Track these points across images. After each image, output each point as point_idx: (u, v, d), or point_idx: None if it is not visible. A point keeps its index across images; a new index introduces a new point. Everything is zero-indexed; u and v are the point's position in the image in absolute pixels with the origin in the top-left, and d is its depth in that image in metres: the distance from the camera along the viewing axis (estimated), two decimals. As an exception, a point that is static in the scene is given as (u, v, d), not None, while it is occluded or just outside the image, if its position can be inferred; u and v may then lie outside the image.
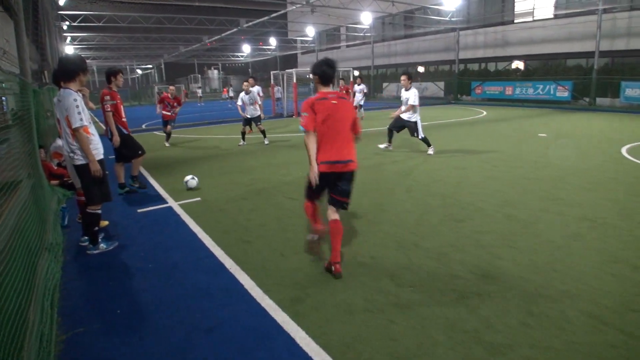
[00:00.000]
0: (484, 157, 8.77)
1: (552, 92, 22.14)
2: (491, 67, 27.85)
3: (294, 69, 21.22)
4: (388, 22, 35.68)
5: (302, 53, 48.88)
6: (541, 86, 22.66)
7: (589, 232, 4.58)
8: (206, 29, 34.98)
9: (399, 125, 9.25)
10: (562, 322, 2.93)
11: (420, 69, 33.12)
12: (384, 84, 34.77)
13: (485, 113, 16.46)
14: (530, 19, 25.46)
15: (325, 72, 3.67)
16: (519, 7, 26.05)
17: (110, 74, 6.15)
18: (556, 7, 24.03)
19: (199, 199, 6.25)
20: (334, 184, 3.65)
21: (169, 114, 11.57)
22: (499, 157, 8.74)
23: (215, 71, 64.60)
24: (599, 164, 7.90)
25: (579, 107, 20.91)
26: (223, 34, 34.70)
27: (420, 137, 9.02)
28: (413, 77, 9.66)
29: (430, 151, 9.11)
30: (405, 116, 8.98)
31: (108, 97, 6.17)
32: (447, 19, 28.53)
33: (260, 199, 6.17)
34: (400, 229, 4.77)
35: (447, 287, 3.44)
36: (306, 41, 44.76)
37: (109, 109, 6.17)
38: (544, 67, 24.43)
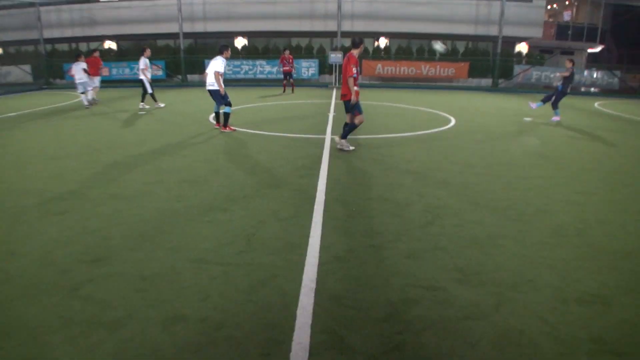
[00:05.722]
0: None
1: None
2: (83, 47, 26.24)
3: None
4: None
5: None
6: (135, 66, 23.22)
7: (186, 191, 5.14)
8: None
9: None
10: (172, 275, 3.21)
11: (-4, 51, 27.48)
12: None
13: (83, 97, 15.34)
14: (114, -2, 25.27)
15: None
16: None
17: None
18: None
19: None
20: None
21: None
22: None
23: None
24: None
25: (174, 84, 22.84)
26: None
27: None
28: None
29: None
30: None
31: None
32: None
33: None
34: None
35: (56, 286, 3.12)
36: None
37: None
38: (136, 47, 25.04)
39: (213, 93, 8.85)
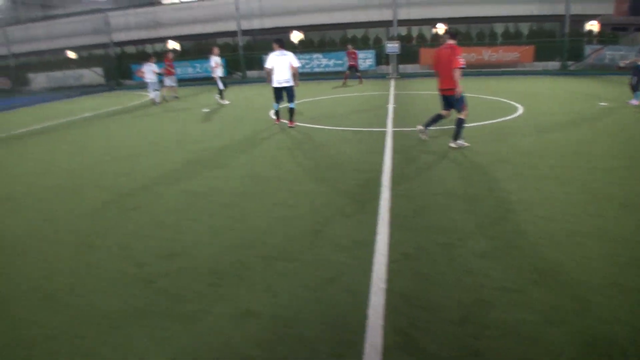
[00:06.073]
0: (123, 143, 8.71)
1: (208, 69, 23.83)
2: (148, 49, 27.56)
3: None
4: (21, 1, 30.00)
5: None
6: (198, 65, 24.08)
7: (253, 187, 5.22)
8: None
9: None
10: (244, 270, 3.27)
11: (72, 55, 29.56)
12: (30, 75, 29.48)
13: (151, 96, 16.20)
14: (177, 0, 26.31)
15: None
16: (163, -12, 26.50)
17: None
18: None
19: None
20: None
21: None
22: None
23: None
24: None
25: (234, 81, 23.38)
26: None
27: None
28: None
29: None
30: None
31: None
32: (90, -1, 26.29)
33: None
34: (73, 236, 4.22)
35: (134, 279, 3.28)
36: None
37: None
38: (197, 46, 25.94)
39: (289, 90, 8.75)
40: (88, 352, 2.51)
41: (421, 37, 23.67)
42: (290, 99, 8.84)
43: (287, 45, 23.67)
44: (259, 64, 23.70)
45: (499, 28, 23.67)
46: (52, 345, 2.60)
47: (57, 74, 28.37)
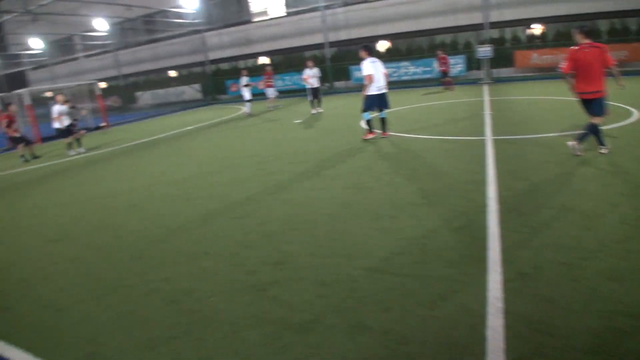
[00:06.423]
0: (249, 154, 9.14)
1: (297, 81, 24.59)
2: (240, 64, 29.14)
3: (26, 89, 17.91)
4: (128, 27, 33.43)
5: (33, 69, 41.65)
6: (288, 78, 24.96)
7: (354, 198, 5.24)
8: None
9: None
10: (351, 282, 3.28)
11: (173, 73, 32.27)
12: (137, 93, 32.64)
13: (245, 109, 17.20)
14: (266, 17, 27.61)
15: None
16: (254, 7, 27.93)
17: None
18: (287, 6, 26.72)
19: None
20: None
21: None
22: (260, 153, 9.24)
23: None
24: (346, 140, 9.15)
25: (323, 92, 23.86)
26: None
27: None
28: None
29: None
30: None
31: None
32: (189, 21, 28.47)
33: (12, 250, 5.01)
34: (187, 242, 4.55)
35: (246, 286, 3.44)
36: (35, 55, 38.18)
37: None
38: (286, 60, 26.94)
39: (385, 97, 8.66)
40: (209, 354, 2.66)
41: (515, 38, 22.40)
42: (386, 106, 8.70)
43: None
44: (345, 74, 24.02)
45: (603, 25, 21.67)
46: (176, 345, 2.79)
47: (160, 92, 31.15)
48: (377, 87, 8.47)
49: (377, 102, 8.62)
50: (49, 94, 30.63)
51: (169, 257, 4.20)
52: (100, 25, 26.24)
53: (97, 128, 19.12)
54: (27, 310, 3.55)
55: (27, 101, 16.30)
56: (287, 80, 25.00)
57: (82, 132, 13.21)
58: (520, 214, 4.28)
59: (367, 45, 8.70)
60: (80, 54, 37.61)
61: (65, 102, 12.62)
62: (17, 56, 38.95)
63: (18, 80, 42.90)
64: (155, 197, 6.42)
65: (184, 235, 4.72)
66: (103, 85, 29.08)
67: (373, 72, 8.38)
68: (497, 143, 7.23)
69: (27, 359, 2.86)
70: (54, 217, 6.00)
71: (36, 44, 30.68)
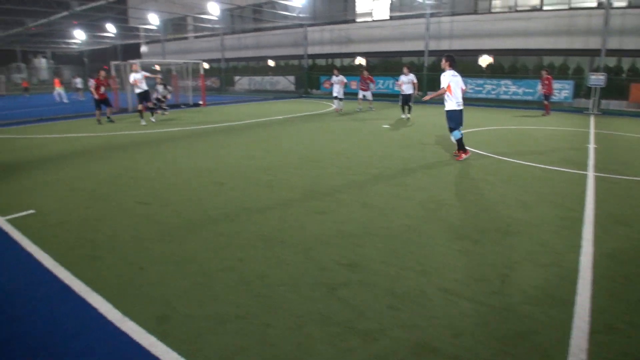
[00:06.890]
0: (329, 152, 9.21)
1: (390, 86, 24.36)
2: (337, 62, 29.50)
3: (137, 60, 19.59)
4: (237, 14, 35.23)
5: (146, 43, 45.40)
6: (381, 81, 24.82)
7: (434, 213, 5.10)
8: (29, 10, 29.83)
9: None
10: (423, 299, 3.19)
11: (271, 63, 33.52)
12: (236, 78, 34.32)
13: (335, 106, 17.47)
14: (370, 19, 27.67)
15: None
16: (359, 8, 28.13)
17: None
18: (391, 9, 26.57)
19: (32, 211, 5.32)
20: None
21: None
22: (344, 154, 9.27)
23: (44, 60, 55.82)
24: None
25: (416, 101, 23.44)
26: (51, 17, 30.09)
27: None
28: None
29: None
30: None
31: None
32: (294, 14, 29.34)
33: (107, 207, 5.50)
34: (265, 227, 4.70)
35: (317, 281, 3.48)
36: (150, 30, 41.58)
37: None
38: (383, 63, 26.82)
39: (461, 114, 8.10)
40: (273, 342, 2.72)
41: (633, 69, 20.39)
42: (461, 123, 8.10)
43: (475, 69, 22.98)
44: (439, 84, 23.43)
45: None
46: (243, 325, 2.89)
47: (257, 79, 32.48)
48: (457, 102, 7.99)
49: (461, 120, 8.09)
50: (157, 67, 33.20)
51: (246, 239, 4.37)
52: (213, 9, 27.89)
53: (195, 105, 20.43)
54: (114, 263, 3.88)
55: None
56: (381, 85, 24.85)
57: (167, 112, 15.57)
58: (618, 262, 3.89)
59: (450, 56, 8.15)
60: (191, 34, 40.31)
61: (152, 76, 15.20)
62: (136, 29, 42.65)
63: (133, 51, 47.02)
64: (241, 179, 6.71)
65: (263, 220, 4.88)
66: (206, 66, 30.89)
67: (453, 86, 7.91)
68: (599, 180, 6.65)
69: (108, 308, 3.12)
70: (147, 182, 6.52)
71: (153, 20, 33.30)
